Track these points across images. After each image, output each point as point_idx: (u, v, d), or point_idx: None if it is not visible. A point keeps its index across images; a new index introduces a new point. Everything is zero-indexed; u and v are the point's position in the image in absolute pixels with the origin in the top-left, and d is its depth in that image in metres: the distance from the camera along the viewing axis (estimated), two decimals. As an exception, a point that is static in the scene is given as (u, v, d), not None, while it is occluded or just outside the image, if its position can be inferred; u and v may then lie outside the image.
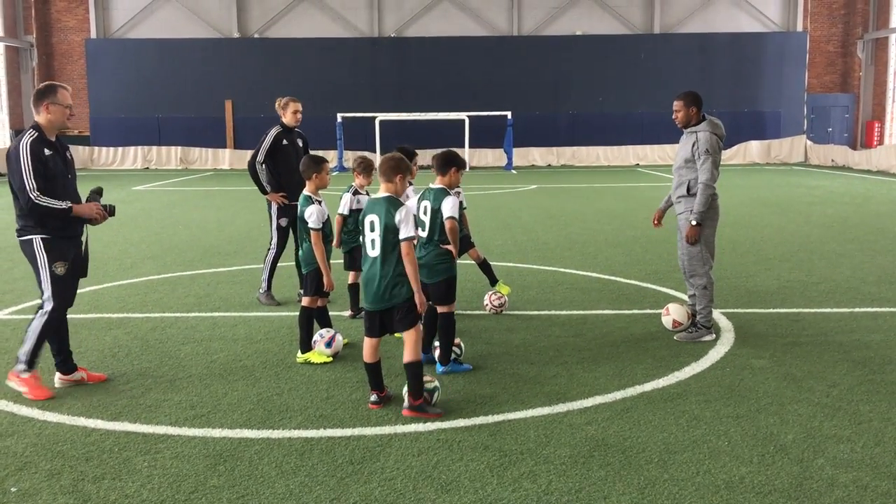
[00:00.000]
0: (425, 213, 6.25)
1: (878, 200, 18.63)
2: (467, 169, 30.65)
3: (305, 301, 6.56)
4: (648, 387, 5.75)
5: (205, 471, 4.43)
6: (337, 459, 4.57)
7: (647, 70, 34.98)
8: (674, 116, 7.08)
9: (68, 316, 7.79)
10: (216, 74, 34.75)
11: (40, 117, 5.67)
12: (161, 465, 4.51)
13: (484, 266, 8.13)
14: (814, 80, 36.50)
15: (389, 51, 35.51)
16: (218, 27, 35.80)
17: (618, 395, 5.59)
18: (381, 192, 5.30)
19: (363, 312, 7.64)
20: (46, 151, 5.60)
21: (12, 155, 5.53)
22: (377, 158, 31.18)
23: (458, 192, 6.71)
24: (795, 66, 35.59)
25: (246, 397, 5.61)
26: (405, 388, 5.32)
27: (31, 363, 5.66)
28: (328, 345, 6.46)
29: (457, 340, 6.29)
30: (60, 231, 5.70)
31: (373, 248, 5.21)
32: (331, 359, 6.41)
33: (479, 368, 6.22)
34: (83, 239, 5.95)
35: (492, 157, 33.95)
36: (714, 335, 6.99)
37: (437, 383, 5.39)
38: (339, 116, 31.61)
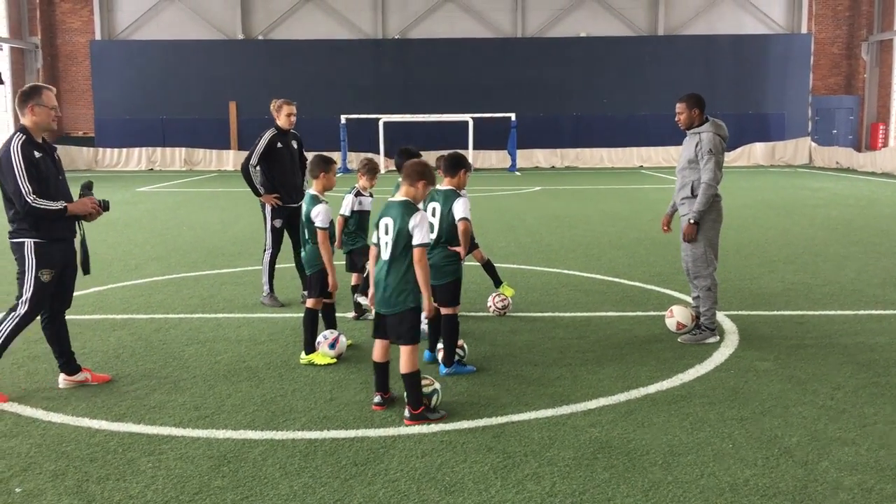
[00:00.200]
0: (434, 214, 6.25)
1: (882, 202, 18.59)
2: (472, 171, 30.67)
3: (310, 303, 6.56)
4: (652, 389, 5.74)
5: (209, 472, 4.44)
6: (341, 461, 4.57)
7: (652, 72, 34.96)
8: (676, 119, 7.07)
9: (73, 317, 7.80)
10: (220, 76, 34.81)
11: (26, 119, 5.62)
12: (165, 465, 4.52)
13: (488, 267, 8.14)
14: (818, 82, 36.45)
15: (393, 52, 35.53)
16: (222, 29, 35.86)
17: (622, 397, 5.59)
18: (400, 195, 5.26)
19: (365, 314, 7.68)
20: (37, 154, 5.56)
21: (3, 160, 5.47)
22: (381, 160, 31.30)
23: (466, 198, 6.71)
24: (800, 68, 35.55)
25: (250, 398, 5.62)
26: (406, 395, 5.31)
27: None
28: (332, 346, 6.46)
29: (460, 342, 6.28)
30: (54, 234, 5.64)
31: (385, 250, 5.19)
32: (334, 360, 6.41)
33: (483, 370, 6.22)
34: (79, 238, 5.88)
35: (495, 158, 33.96)
36: (718, 337, 6.98)
37: (436, 386, 5.35)
38: (343, 118, 31.64)
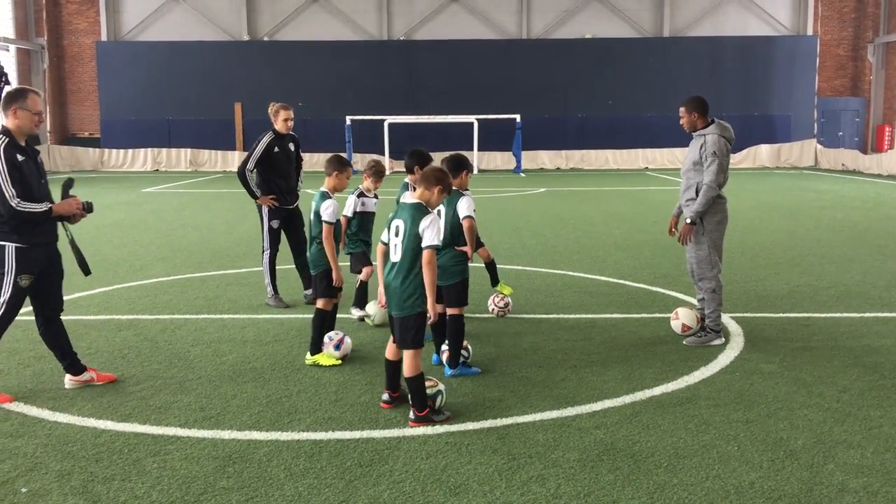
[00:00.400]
0: (438, 216, 6.25)
1: (888, 205, 18.55)
2: (476, 172, 30.69)
3: (320, 303, 6.55)
4: (657, 391, 5.74)
5: (214, 472, 4.45)
6: (346, 462, 4.58)
7: (657, 73, 34.92)
8: (680, 122, 7.10)
9: (78, 317, 7.83)
10: (226, 77, 34.87)
11: (8, 121, 5.56)
12: (170, 466, 4.53)
13: (490, 266, 8.12)
14: (824, 84, 36.37)
15: (399, 54, 35.56)
16: (228, 30, 35.93)
17: (627, 399, 5.58)
18: (414, 197, 5.26)
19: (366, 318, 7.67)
20: (19, 157, 5.51)
21: None
22: (386, 161, 31.34)
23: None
24: (805, 70, 35.48)
25: (255, 399, 5.62)
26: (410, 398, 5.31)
27: None
28: (337, 347, 6.46)
29: (464, 343, 6.28)
30: (35, 239, 5.60)
31: (395, 252, 5.19)
32: (339, 362, 6.41)
33: (488, 371, 6.22)
34: (69, 239, 5.82)
35: (500, 160, 33.96)
36: (723, 339, 6.97)
37: (440, 387, 5.36)
38: (348, 119, 31.67)
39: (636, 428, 5.04)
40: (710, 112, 7.04)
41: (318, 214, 6.52)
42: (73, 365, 5.91)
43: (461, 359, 6.20)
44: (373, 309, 7.59)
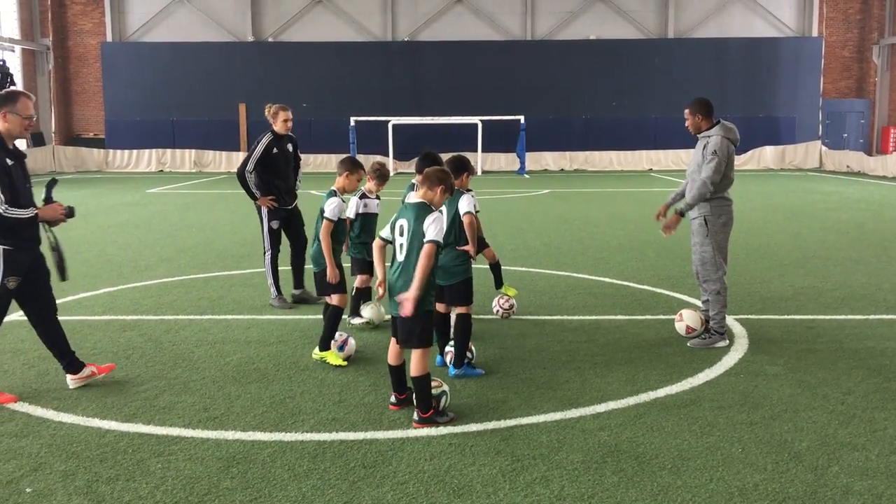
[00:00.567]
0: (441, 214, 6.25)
1: (894, 207, 18.51)
2: (479, 173, 30.68)
3: (335, 300, 6.54)
4: (661, 393, 5.73)
5: (218, 473, 4.45)
6: (349, 463, 4.58)
7: (661, 75, 34.89)
8: (685, 124, 7.10)
9: (83, 318, 7.85)
10: (230, 78, 34.92)
11: None
12: (174, 466, 4.53)
13: (495, 267, 8.11)
14: (829, 86, 36.32)
15: (403, 55, 35.58)
16: (232, 31, 35.98)
17: (631, 400, 5.58)
18: (417, 197, 5.27)
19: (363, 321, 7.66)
20: (9, 161, 5.50)
21: None
22: (391, 162, 31.29)
23: (473, 195, 6.71)
24: (810, 72, 35.43)
25: (259, 400, 5.63)
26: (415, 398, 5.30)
27: None
28: (340, 349, 6.46)
29: (468, 345, 6.27)
30: (21, 241, 5.60)
31: (400, 252, 5.20)
32: (345, 363, 6.40)
33: (492, 373, 6.22)
34: (51, 243, 5.82)
35: (504, 161, 33.95)
36: (728, 341, 6.96)
37: (445, 388, 5.35)
38: (353, 120, 31.69)
39: (640, 430, 5.03)
40: (715, 113, 7.04)
41: (322, 211, 6.55)
42: (71, 363, 5.91)
43: (465, 360, 6.20)
44: (368, 312, 7.60)
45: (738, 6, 35.94)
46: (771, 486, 4.25)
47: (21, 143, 35.20)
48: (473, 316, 6.35)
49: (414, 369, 5.15)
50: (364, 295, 7.76)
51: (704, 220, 6.89)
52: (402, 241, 5.18)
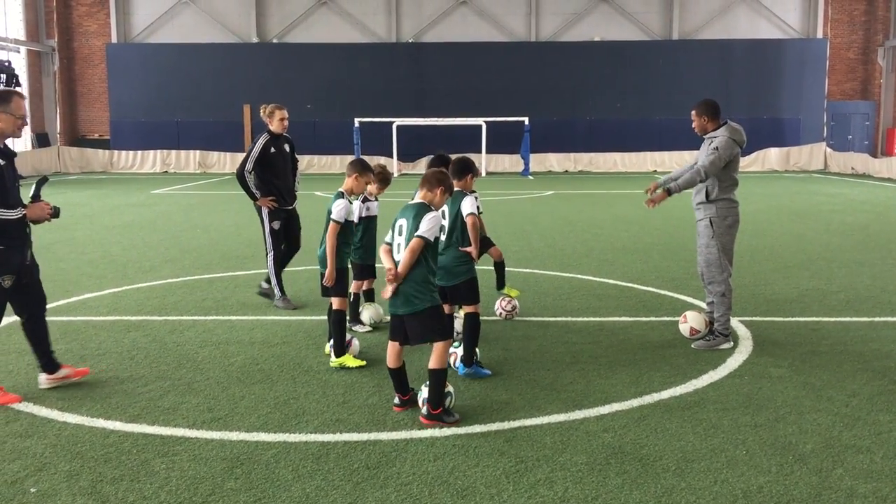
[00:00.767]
0: (444, 216, 6.25)
1: (898, 209, 18.47)
2: (483, 175, 30.68)
3: (336, 303, 6.54)
4: (666, 394, 5.73)
5: (222, 473, 4.46)
6: (353, 464, 4.58)
7: (666, 76, 34.87)
8: (692, 126, 7.09)
9: (88, 318, 7.86)
10: (235, 79, 34.97)
11: None
12: (179, 467, 4.54)
13: (499, 267, 8.11)
14: (834, 87, 36.25)
15: (407, 56, 35.60)
16: (237, 32, 36.04)
17: (635, 402, 5.57)
18: (418, 198, 5.31)
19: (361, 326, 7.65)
20: (1, 161, 5.51)
21: None
22: (395, 163, 31.26)
23: (476, 197, 6.72)
24: (815, 73, 35.37)
25: (263, 401, 5.63)
26: (421, 397, 5.30)
27: None
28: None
29: (471, 346, 6.28)
30: (12, 241, 5.59)
31: (397, 252, 5.22)
32: (364, 363, 6.38)
33: (496, 374, 6.22)
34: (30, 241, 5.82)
35: (509, 162, 33.94)
36: (732, 343, 6.95)
37: (450, 388, 5.36)
38: (357, 121, 31.71)
39: (644, 431, 5.03)
40: (721, 115, 7.03)
41: (329, 212, 6.55)
42: (49, 363, 5.90)
43: (474, 359, 6.20)
44: (366, 316, 7.61)
45: (743, 8, 35.91)
46: (775, 489, 4.25)
47: (21, 144, 35.12)
48: (480, 316, 6.34)
49: (433, 362, 5.16)
50: (364, 298, 7.76)
51: (710, 221, 6.88)
52: (400, 240, 5.22)
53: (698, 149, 7.24)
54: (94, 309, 8.53)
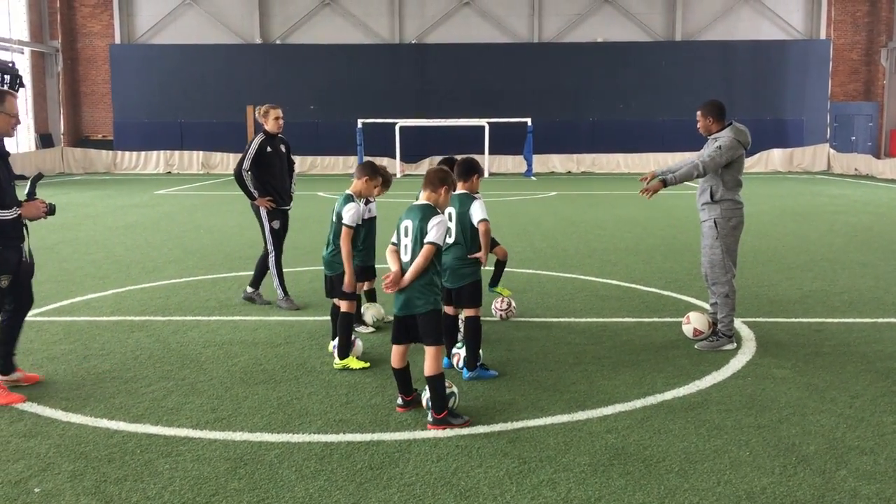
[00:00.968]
0: (450, 218, 6.26)
1: (902, 210, 18.44)
2: (486, 175, 30.67)
3: (344, 306, 6.54)
4: (669, 395, 5.72)
5: (225, 474, 4.46)
6: (356, 464, 4.58)
7: (669, 77, 34.83)
8: (698, 126, 7.08)
9: (91, 318, 7.88)
10: (238, 80, 34.99)
11: None
12: (182, 467, 4.55)
13: (500, 265, 8.11)
14: (837, 89, 36.20)
15: (410, 57, 35.61)
16: (240, 33, 36.07)
17: (638, 403, 5.57)
18: (422, 199, 5.31)
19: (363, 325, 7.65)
20: None
21: None
22: (397, 164, 31.25)
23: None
24: (818, 74, 35.32)
25: (266, 401, 5.64)
26: (424, 398, 5.31)
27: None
28: (347, 350, 6.47)
29: (474, 347, 6.28)
30: (9, 240, 5.60)
31: (405, 253, 5.22)
32: (368, 364, 6.39)
33: (499, 375, 6.22)
34: (27, 241, 5.83)
35: (511, 163, 33.94)
36: (735, 344, 6.95)
37: (454, 389, 5.36)
38: (360, 122, 31.73)
39: (647, 432, 5.03)
40: (727, 116, 7.03)
41: (339, 216, 6.53)
42: (7, 365, 5.89)
43: (477, 361, 6.20)
44: (369, 316, 7.61)
45: (746, 9, 35.86)
46: (779, 490, 4.25)
47: (25, 145, 35.11)
48: (481, 318, 6.34)
49: (428, 369, 5.16)
50: (365, 298, 7.77)
51: (714, 222, 6.88)
52: (406, 241, 5.21)
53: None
54: (98, 309, 8.55)
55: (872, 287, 9.53)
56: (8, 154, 5.78)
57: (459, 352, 6.30)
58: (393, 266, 5.26)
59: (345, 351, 6.41)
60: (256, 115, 8.74)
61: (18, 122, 5.72)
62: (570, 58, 35.15)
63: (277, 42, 36.12)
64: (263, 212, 8.60)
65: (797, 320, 7.98)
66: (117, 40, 35.84)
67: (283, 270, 8.75)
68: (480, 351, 6.30)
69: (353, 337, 6.59)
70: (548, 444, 4.85)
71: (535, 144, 32.27)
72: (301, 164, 34.07)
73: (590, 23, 35.96)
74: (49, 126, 35.64)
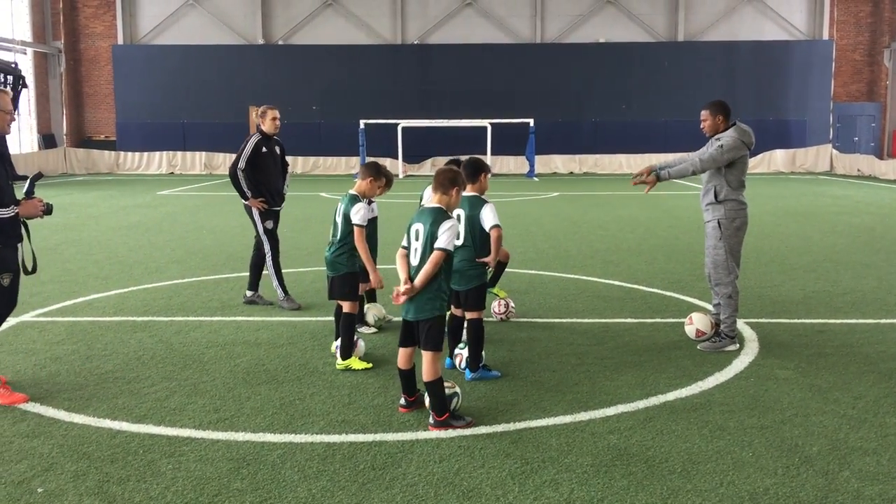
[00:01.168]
0: (458, 220, 6.24)
1: (904, 210, 18.42)
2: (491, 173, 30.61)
3: (347, 307, 6.54)
4: (671, 396, 5.72)
5: (228, 474, 4.47)
6: (359, 465, 4.59)
7: (671, 78, 34.81)
8: (701, 126, 7.03)
9: (94, 319, 7.87)
10: (240, 80, 35.01)
11: None
12: (185, 467, 4.55)
13: (500, 267, 8.11)
14: (840, 89, 36.16)
15: (412, 58, 35.62)
16: (243, 33, 36.10)
17: (640, 404, 5.57)
18: (433, 202, 5.28)
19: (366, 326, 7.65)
20: None
21: None
22: (400, 165, 31.25)
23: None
24: (821, 75, 35.29)
25: (269, 401, 5.64)
26: (427, 399, 5.31)
27: None
28: (349, 351, 6.47)
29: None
30: (8, 239, 5.60)
31: (414, 256, 5.21)
32: (370, 365, 6.39)
33: (501, 376, 6.22)
34: (25, 238, 5.82)
35: (514, 164, 33.93)
36: (738, 345, 6.94)
37: (456, 389, 5.36)
38: (362, 122, 31.74)
39: (650, 433, 5.03)
40: (731, 116, 7.02)
41: (347, 217, 6.52)
42: None
43: (480, 363, 6.20)
44: (371, 316, 7.61)
45: (749, 9, 35.84)
46: (781, 491, 4.24)
47: (28, 145, 35.04)
48: (485, 319, 6.34)
49: (426, 374, 5.15)
50: (367, 298, 7.76)
51: (718, 223, 6.87)
52: (416, 245, 5.19)
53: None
54: (101, 309, 8.56)
55: (875, 288, 9.52)
56: (8, 153, 5.78)
57: (462, 352, 6.30)
58: (401, 271, 5.24)
59: (347, 351, 6.41)
60: (254, 115, 8.77)
61: (13, 118, 5.72)
62: (572, 58, 35.14)
63: (280, 43, 36.14)
64: (256, 212, 8.63)
65: (800, 321, 7.97)
66: (120, 41, 35.89)
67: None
68: (483, 352, 6.31)
69: (356, 338, 6.60)
70: (550, 445, 4.85)
71: (538, 145, 32.26)
72: (303, 164, 34.12)
73: (592, 23, 35.96)
74: (52, 127, 35.69)
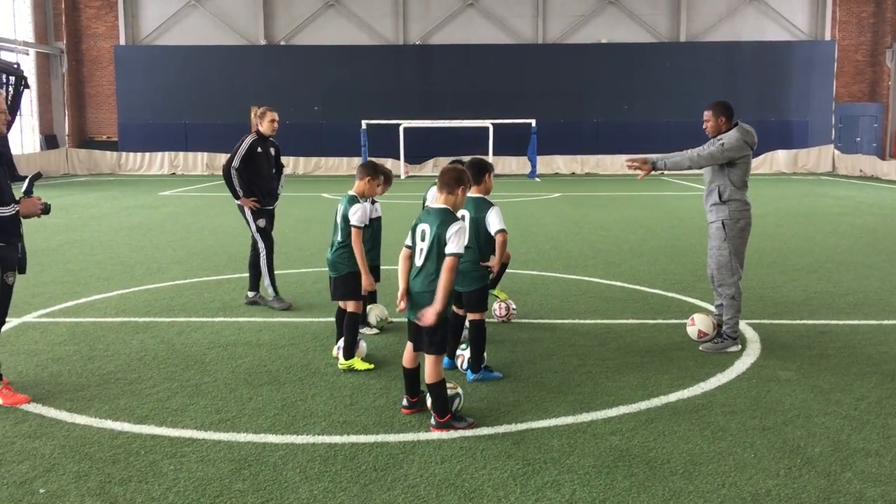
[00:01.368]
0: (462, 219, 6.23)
1: (907, 211, 18.39)
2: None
3: (351, 307, 6.54)
4: (673, 397, 5.72)
5: (229, 475, 4.47)
6: (360, 466, 4.58)
7: (673, 78, 34.81)
8: (704, 127, 7.00)
9: (96, 319, 7.86)
10: (242, 81, 35.04)
11: None
12: (187, 468, 4.55)
13: (501, 268, 8.09)
14: (842, 90, 36.14)
15: (414, 58, 35.64)
16: (245, 34, 36.13)
17: (642, 405, 5.56)
18: (440, 202, 5.25)
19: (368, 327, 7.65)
20: None
21: None
22: (401, 165, 31.24)
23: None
24: (823, 75, 35.27)
25: (270, 402, 5.64)
26: (429, 399, 5.30)
27: None
28: (351, 352, 6.47)
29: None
30: (9, 237, 5.60)
31: (419, 257, 5.18)
32: (372, 366, 6.39)
33: (503, 377, 6.21)
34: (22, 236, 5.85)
35: (515, 164, 33.94)
36: (740, 346, 6.94)
37: (459, 391, 5.36)
38: (364, 123, 31.76)
39: (652, 434, 5.02)
40: (734, 117, 7.02)
41: (346, 218, 6.52)
42: None
43: (481, 365, 6.19)
44: (373, 317, 7.61)
45: (751, 10, 35.84)
46: (783, 492, 4.24)
47: (29, 146, 35.02)
48: (486, 320, 6.34)
49: (428, 376, 5.14)
50: (367, 299, 7.76)
51: (723, 223, 6.86)
52: (422, 245, 5.17)
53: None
54: (102, 310, 8.56)
55: (878, 288, 9.51)
56: (9, 153, 5.77)
57: (464, 353, 6.30)
58: (402, 274, 5.23)
59: (350, 350, 6.41)
60: (253, 115, 8.79)
61: (8, 117, 5.72)
62: (574, 59, 35.14)
63: (282, 43, 36.17)
64: (248, 211, 8.65)
65: (802, 322, 7.96)
66: (122, 41, 35.93)
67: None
68: (485, 353, 6.30)
69: (358, 338, 6.59)
70: (552, 446, 4.85)
71: (539, 145, 32.26)
72: (305, 165, 34.14)
73: (594, 24, 35.96)
74: (54, 127, 35.73)
